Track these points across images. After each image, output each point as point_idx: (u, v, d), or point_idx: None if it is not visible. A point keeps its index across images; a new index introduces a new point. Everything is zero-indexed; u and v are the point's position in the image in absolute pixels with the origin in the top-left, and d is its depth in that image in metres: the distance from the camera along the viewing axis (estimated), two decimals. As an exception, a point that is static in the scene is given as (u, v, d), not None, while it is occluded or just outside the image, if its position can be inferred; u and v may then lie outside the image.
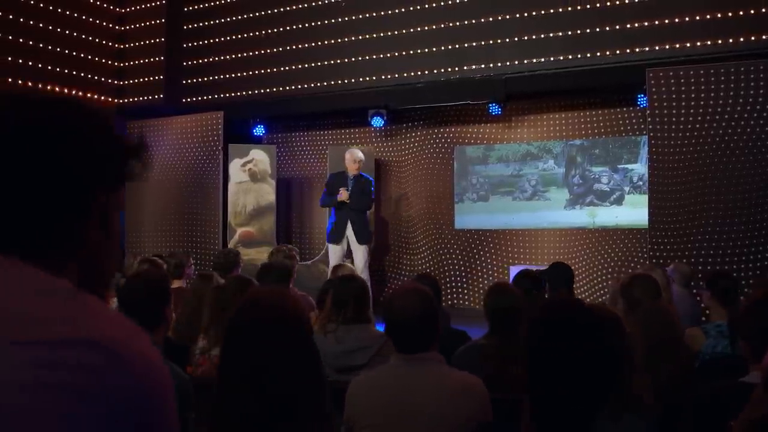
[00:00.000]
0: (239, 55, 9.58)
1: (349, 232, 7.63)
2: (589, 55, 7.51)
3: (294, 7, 9.16)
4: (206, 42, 9.89)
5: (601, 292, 8.07)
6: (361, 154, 7.89)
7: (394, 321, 2.29)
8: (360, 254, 7.63)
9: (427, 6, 8.34)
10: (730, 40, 6.92)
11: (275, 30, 9.30)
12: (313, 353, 1.55)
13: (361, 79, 8.69)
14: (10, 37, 9.13)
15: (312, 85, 9.00)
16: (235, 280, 3.70)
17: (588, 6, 7.52)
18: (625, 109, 8.15)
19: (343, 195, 7.56)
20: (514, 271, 7.52)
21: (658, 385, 2.75)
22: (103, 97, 10.20)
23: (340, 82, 8.84)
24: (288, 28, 9.19)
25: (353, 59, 8.73)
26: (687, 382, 2.99)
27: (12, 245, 0.72)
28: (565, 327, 1.45)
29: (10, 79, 9.08)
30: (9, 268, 0.70)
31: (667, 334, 3.00)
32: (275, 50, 9.27)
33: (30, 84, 9.30)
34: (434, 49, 8.28)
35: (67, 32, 9.79)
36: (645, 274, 3.58)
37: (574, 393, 1.42)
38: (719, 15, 6.99)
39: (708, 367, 3.60)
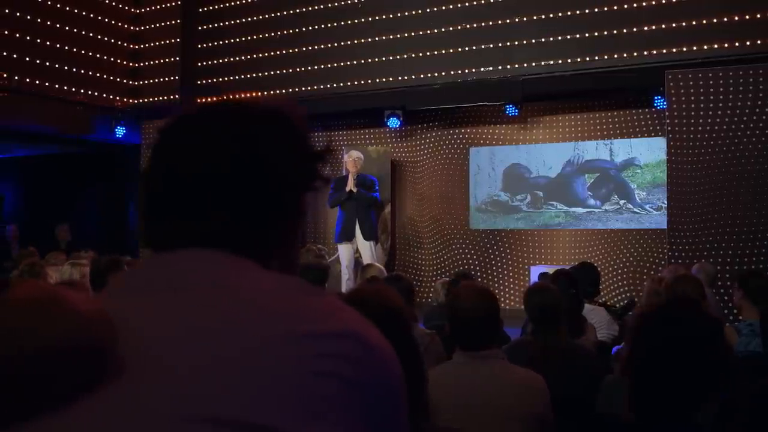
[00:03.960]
0: (254, 56, 9.63)
1: (358, 229, 7.66)
2: (606, 57, 7.57)
3: (309, 8, 9.21)
4: (221, 43, 9.94)
5: (617, 291, 8.13)
6: (359, 153, 7.96)
7: (461, 320, 2.35)
8: (367, 251, 7.65)
9: (444, 7, 8.39)
10: (747, 43, 6.99)
11: (290, 31, 9.34)
12: (415, 347, 1.60)
13: (377, 80, 8.74)
14: (28, 38, 9.18)
15: (328, 85, 9.05)
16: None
17: (606, 8, 7.58)
18: (641, 110, 8.20)
19: (350, 183, 7.62)
20: (534, 271, 7.58)
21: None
22: (118, 98, 10.25)
23: (356, 82, 8.89)
24: (303, 28, 9.24)
25: (369, 60, 8.78)
26: (731, 380, 3.05)
27: (240, 247, 0.76)
28: (685, 326, 1.51)
29: (28, 79, 9.13)
30: (253, 270, 0.74)
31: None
32: (290, 51, 9.32)
33: (47, 84, 9.35)
34: (451, 50, 8.34)
35: (82, 32, 9.84)
36: (689, 274, 3.64)
37: (682, 387, 1.48)
38: (737, 18, 7.05)
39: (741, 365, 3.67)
